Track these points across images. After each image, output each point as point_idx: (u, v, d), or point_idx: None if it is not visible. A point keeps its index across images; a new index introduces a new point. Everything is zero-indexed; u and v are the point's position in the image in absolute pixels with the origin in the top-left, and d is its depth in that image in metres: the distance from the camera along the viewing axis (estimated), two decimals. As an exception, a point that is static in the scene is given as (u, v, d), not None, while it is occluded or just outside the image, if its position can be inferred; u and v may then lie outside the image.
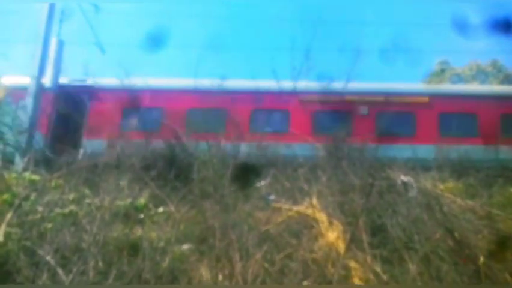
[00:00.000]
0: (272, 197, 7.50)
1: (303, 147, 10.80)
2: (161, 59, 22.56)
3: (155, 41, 13.11)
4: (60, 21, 13.40)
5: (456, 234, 5.70)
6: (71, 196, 6.44)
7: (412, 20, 30.82)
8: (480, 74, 24.92)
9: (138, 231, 6.04)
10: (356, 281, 5.14)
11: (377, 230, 6.08)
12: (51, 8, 12.73)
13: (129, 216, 6.27)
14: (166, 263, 5.24)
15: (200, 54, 17.71)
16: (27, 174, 7.18)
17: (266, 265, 5.28)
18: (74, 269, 4.89)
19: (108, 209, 6.04)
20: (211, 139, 9.72)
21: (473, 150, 11.20)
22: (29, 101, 11.89)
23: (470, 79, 24.21)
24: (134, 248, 5.47)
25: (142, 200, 6.83)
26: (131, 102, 12.53)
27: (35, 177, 7.08)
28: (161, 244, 5.61)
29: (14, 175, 7.34)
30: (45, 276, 4.86)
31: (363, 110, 13.21)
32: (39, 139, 11.94)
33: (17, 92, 12.45)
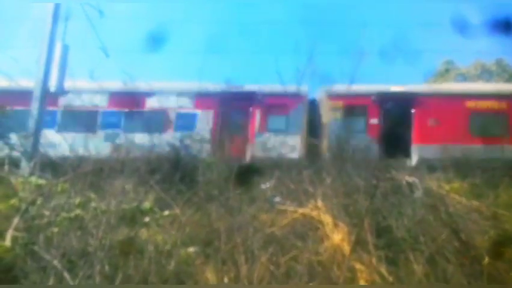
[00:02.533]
0: (277, 199, 7.50)
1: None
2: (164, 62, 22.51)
3: (157, 43, 13.14)
4: (65, 25, 13.41)
5: (462, 235, 5.68)
6: (77, 200, 6.44)
7: (416, 20, 30.61)
8: (485, 74, 24.77)
9: (144, 234, 6.06)
10: (362, 283, 5.14)
11: (382, 232, 6.07)
12: (56, 11, 12.75)
13: (135, 219, 6.29)
14: (171, 266, 5.26)
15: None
16: (33, 179, 7.19)
17: (271, 268, 5.29)
18: (81, 273, 4.92)
19: (114, 212, 6.06)
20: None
21: None
22: (34, 105, 11.93)
23: (475, 79, 24.05)
24: (140, 252, 5.49)
25: (147, 204, 6.85)
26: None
27: (42, 181, 7.10)
28: (167, 247, 5.63)
29: (20, 180, 7.36)
30: (52, 280, 4.89)
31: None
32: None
33: None
